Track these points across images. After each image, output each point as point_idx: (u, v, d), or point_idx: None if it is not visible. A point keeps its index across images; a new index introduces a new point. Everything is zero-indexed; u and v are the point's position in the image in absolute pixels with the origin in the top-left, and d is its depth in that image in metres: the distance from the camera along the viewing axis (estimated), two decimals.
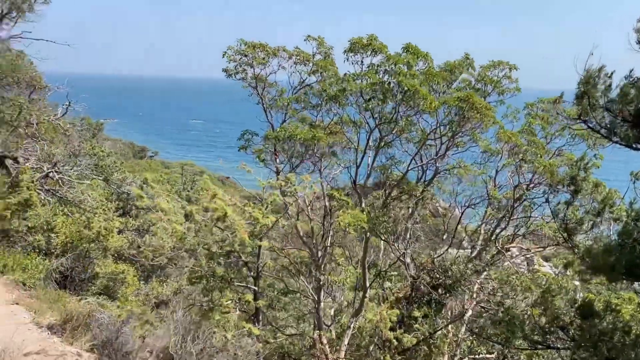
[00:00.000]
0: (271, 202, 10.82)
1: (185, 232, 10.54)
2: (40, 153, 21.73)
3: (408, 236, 15.43)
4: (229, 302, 11.79)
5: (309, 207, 13.21)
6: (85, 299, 16.32)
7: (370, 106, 12.73)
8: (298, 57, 13.81)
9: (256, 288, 12.36)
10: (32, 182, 19.08)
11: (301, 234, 14.35)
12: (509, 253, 16.47)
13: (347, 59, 13.19)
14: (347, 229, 10.92)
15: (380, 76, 12.72)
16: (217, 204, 10.05)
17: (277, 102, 14.02)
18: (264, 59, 13.48)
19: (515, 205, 15.63)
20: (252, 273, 12.02)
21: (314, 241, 14.11)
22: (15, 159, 19.80)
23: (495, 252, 15.81)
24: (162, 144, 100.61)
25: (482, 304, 14.72)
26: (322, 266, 13.96)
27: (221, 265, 11.68)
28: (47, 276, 16.58)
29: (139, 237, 22.68)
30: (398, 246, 14.94)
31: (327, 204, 13.34)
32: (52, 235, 18.16)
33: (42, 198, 20.14)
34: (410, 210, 15.85)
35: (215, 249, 11.03)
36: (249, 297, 11.82)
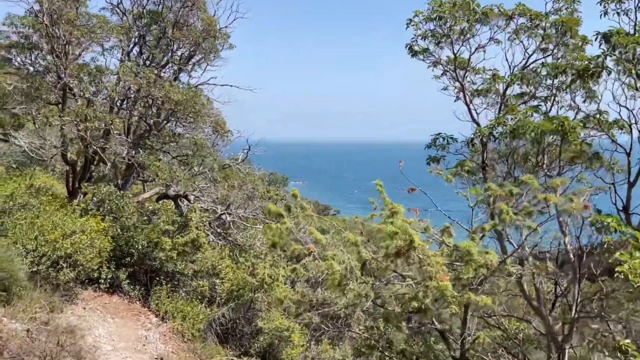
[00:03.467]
0: (490, 229, 6.24)
1: (346, 274, 6.55)
2: (217, 195, 21.48)
3: None
4: None
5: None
6: None
7: None
8: (522, 20, 9.15)
9: None
10: (202, 222, 17.94)
11: (527, 292, 9.11)
12: None
13: (605, 13, 8.18)
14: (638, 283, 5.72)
15: None
16: (398, 225, 5.85)
17: (488, 88, 9.44)
18: (468, 25, 9.19)
19: None
20: (452, 351, 7.29)
21: (550, 307, 8.79)
22: (186, 197, 19.02)
23: None
24: (345, 203, 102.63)
25: None
26: (568, 346, 8.48)
27: (402, 331, 7.42)
28: (208, 327, 14.92)
29: (311, 290, 20.36)
30: None
31: (576, 243, 8.07)
32: (217, 281, 16.52)
33: (212, 240, 19.17)
34: None
35: (393, 306, 6.81)
36: None
